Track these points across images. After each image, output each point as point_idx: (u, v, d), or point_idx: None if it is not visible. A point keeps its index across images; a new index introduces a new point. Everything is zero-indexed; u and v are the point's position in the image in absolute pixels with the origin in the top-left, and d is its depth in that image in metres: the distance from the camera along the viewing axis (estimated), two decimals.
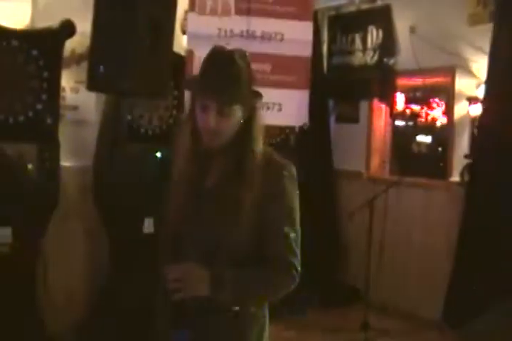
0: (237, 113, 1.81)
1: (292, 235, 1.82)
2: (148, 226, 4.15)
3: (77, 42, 4.00)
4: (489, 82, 4.24)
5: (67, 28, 3.73)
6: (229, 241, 1.80)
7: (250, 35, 4.09)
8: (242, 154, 1.83)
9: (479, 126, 4.40)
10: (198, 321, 1.85)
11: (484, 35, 4.37)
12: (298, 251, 1.82)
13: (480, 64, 4.55)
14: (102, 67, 3.47)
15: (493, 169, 4.03)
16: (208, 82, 1.79)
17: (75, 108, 4.29)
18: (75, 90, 4.25)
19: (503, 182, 3.93)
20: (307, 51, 4.26)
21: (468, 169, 4.42)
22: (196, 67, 4.10)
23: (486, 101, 4.28)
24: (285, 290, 1.84)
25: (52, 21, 3.78)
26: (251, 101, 1.85)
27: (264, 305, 1.92)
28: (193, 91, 1.89)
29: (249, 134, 1.85)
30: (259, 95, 1.86)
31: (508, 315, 3.53)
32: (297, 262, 1.82)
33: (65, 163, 4.03)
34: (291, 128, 4.91)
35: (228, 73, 1.78)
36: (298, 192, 1.86)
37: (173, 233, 1.90)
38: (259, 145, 1.85)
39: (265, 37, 4.12)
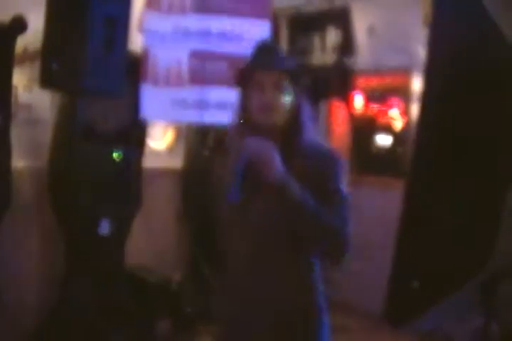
0: (289, 94, 1.92)
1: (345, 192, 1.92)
2: (104, 227, 4.08)
3: (32, 39, 3.90)
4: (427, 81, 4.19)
5: (19, 24, 3.63)
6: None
7: (207, 34, 4.07)
8: (290, 145, 1.91)
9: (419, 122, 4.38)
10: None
11: None
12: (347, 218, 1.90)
13: None
14: (54, 64, 3.39)
15: (432, 166, 3.97)
16: (263, 59, 1.95)
17: (28, 106, 4.20)
18: (29, 88, 4.15)
19: (443, 177, 3.89)
20: None
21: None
22: (152, 65, 4.06)
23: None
24: (333, 237, 1.88)
25: (4, 17, 3.69)
26: (300, 87, 1.95)
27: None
28: (245, 79, 1.97)
29: (297, 124, 1.94)
30: (306, 84, 1.99)
31: None
32: (346, 225, 1.89)
33: (19, 163, 3.94)
34: None
35: (277, 51, 1.98)
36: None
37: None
38: (308, 135, 1.96)
39: (222, 35, 4.10)
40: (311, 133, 1.99)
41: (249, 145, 1.84)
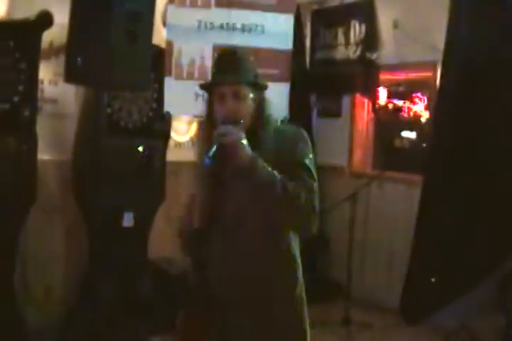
0: (249, 98, 2.06)
1: (307, 163, 2.06)
2: (127, 220, 4.12)
3: (57, 34, 3.95)
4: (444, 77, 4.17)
5: (45, 19, 3.67)
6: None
7: (231, 28, 4.07)
8: (257, 137, 2.05)
9: (435, 117, 4.35)
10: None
11: None
12: (314, 177, 2.05)
13: None
14: (79, 59, 3.42)
15: (448, 162, 3.94)
16: (220, 73, 2.08)
17: (53, 100, 4.25)
18: (54, 83, 4.20)
19: (458, 175, 3.85)
20: (288, 44, 4.23)
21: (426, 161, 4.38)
22: (176, 58, 4.08)
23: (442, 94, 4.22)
24: (302, 209, 1.98)
25: (30, 12, 3.73)
26: (259, 88, 2.10)
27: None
28: (209, 90, 2.13)
29: (261, 119, 2.10)
30: (265, 85, 2.14)
31: None
32: (313, 182, 2.03)
33: (44, 156, 3.99)
34: None
35: (234, 62, 2.07)
36: (310, 148, 2.12)
37: None
38: (271, 124, 2.13)
39: (246, 29, 4.10)
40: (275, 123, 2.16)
41: (220, 131, 1.96)
